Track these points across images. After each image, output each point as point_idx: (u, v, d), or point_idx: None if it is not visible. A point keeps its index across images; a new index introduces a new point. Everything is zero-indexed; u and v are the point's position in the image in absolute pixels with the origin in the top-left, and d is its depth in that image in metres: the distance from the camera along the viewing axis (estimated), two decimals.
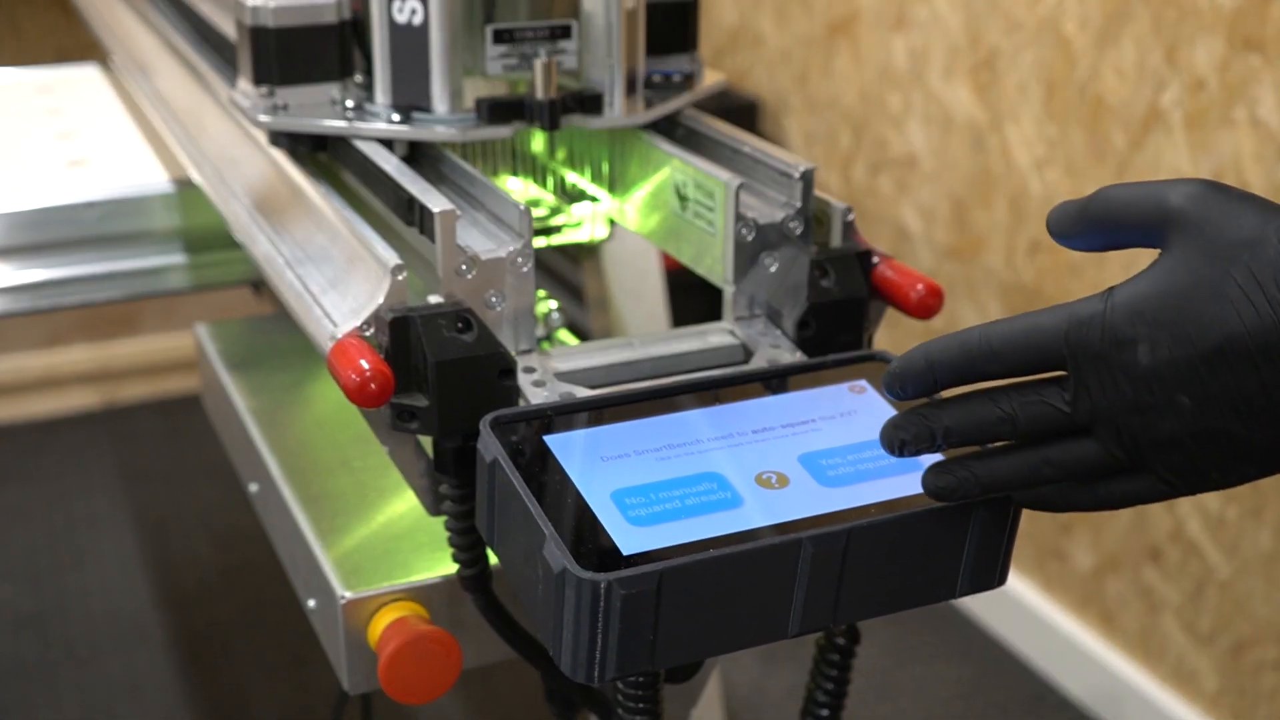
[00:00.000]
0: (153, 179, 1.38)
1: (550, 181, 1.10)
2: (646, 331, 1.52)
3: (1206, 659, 1.93)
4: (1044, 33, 2.00)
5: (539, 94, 0.94)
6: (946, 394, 0.70)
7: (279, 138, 0.99)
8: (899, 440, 0.70)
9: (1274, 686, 1.85)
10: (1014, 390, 0.68)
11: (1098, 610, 2.12)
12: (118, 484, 2.73)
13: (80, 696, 2.15)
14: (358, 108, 0.98)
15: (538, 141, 1.10)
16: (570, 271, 1.50)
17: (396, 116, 0.96)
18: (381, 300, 0.81)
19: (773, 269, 0.91)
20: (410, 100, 0.96)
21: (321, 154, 1.00)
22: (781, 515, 0.72)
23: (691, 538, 0.70)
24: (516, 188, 1.11)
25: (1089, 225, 0.67)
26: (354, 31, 0.99)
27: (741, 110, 2.65)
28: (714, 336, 0.91)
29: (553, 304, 1.10)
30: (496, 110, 0.95)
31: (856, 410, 0.80)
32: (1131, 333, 0.63)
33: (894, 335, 2.42)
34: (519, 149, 1.11)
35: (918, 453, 0.70)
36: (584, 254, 1.47)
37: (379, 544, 0.95)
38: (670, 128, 1.03)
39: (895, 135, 2.34)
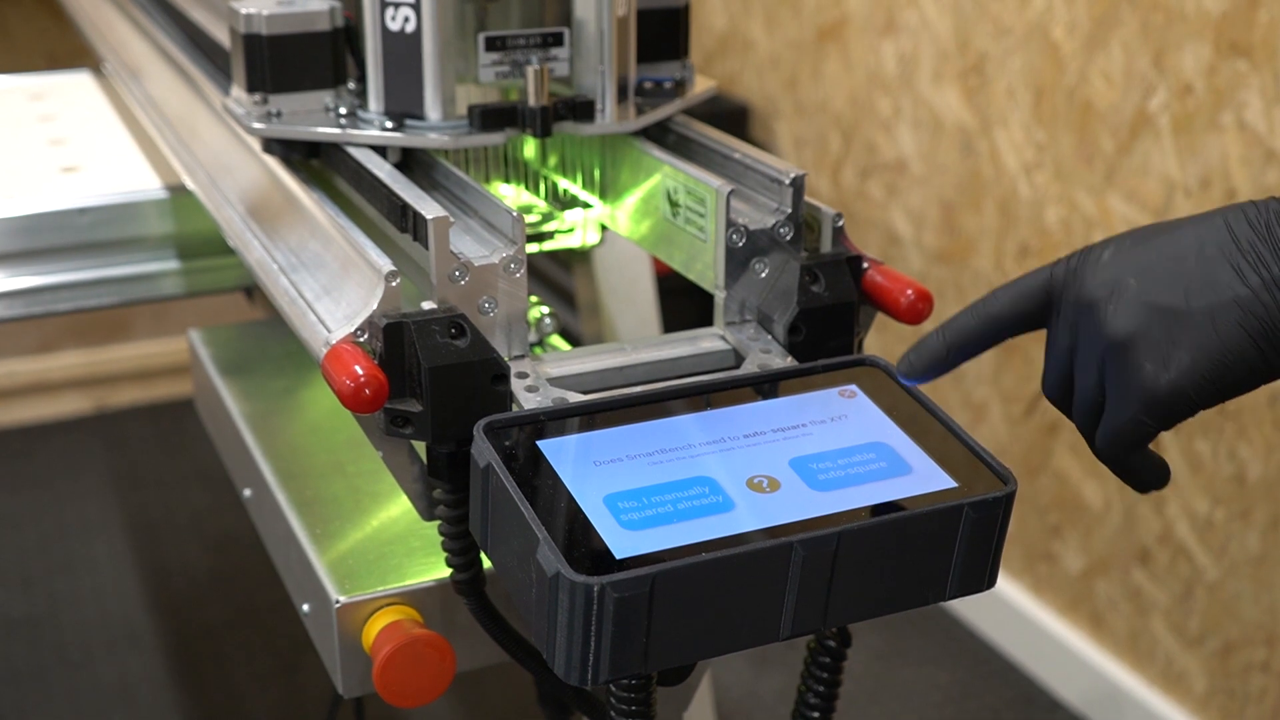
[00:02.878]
0: (146, 185, 1.38)
1: (542, 188, 1.11)
2: (638, 337, 1.52)
3: (1195, 660, 1.94)
4: (1032, 38, 2.00)
5: (531, 101, 0.95)
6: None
7: (272, 145, 0.99)
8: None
9: (1262, 688, 1.86)
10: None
11: (1087, 612, 2.12)
12: (110, 489, 2.73)
13: (73, 701, 2.15)
14: (351, 115, 0.98)
15: (530, 148, 1.11)
16: (562, 277, 1.51)
17: (389, 123, 0.97)
18: (375, 306, 0.81)
19: (763, 274, 0.91)
20: (403, 107, 0.97)
21: (315, 161, 1.00)
22: (773, 519, 0.72)
23: (684, 541, 0.70)
24: (509, 194, 1.11)
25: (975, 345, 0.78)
26: (347, 39, 1.00)
27: (732, 115, 2.66)
28: (705, 341, 0.92)
29: (545, 309, 1.11)
30: (489, 117, 0.96)
31: (847, 415, 0.81)
32: (1101, 245, 0.74)
33: (884, 340, 2.43)
34: (511, 155, 1.11)
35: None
36: (576, 260, 1.48)
37: (373, 548, 0.96)
38: (661, 134, 1.04)
39: (885, 140, 2.35)
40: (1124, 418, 0.73)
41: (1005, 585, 2.26)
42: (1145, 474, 0.76)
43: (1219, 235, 0.71)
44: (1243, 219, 0.71)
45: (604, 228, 1.10)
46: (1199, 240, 0.72)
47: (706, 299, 0.94)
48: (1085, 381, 0.74)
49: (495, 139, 0.97)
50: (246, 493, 1.13)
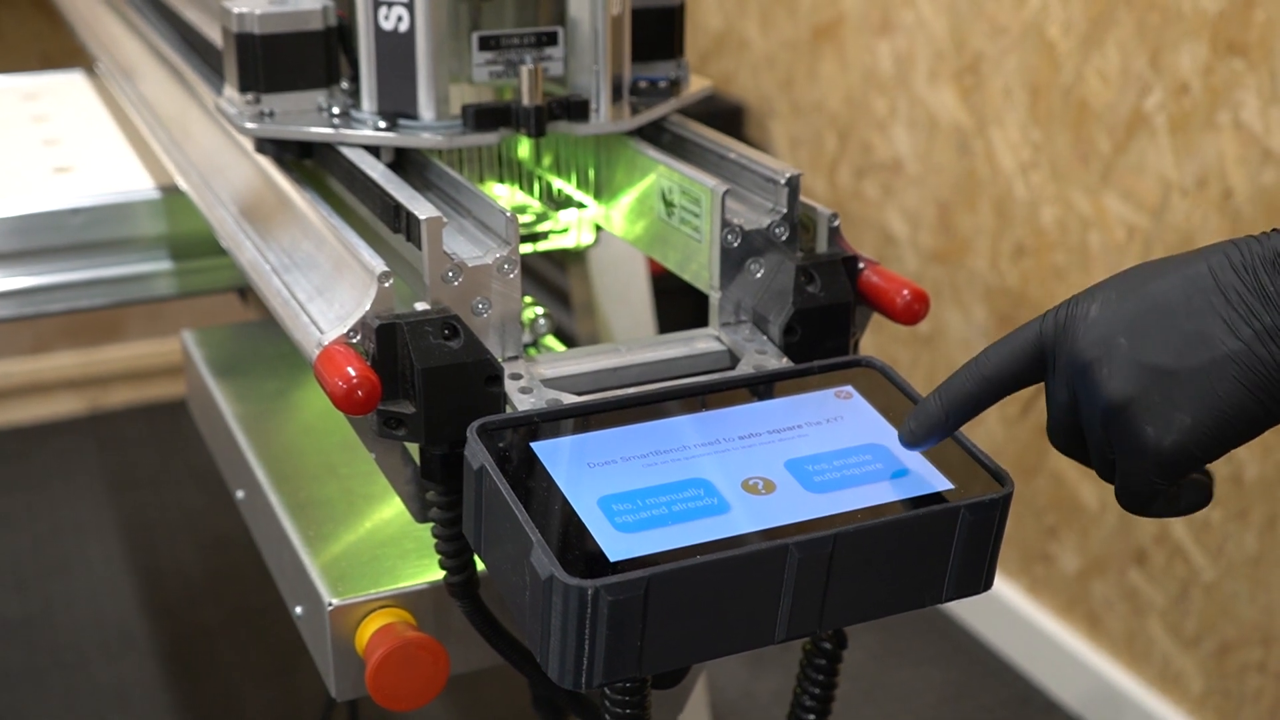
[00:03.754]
0: (138, 185, 1.38)
1: (536, 188, 1.10)
2: (633, 337, 1.52)
3: (1192, 661, 1.94)
4: (1028, 37, 2.00)
5: (525, 100, 0.95)
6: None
7: (265, 144, 0.99)
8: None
9: (1259, 688, 1.85)
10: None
11: (1084, 613, 2.12)
12: (104, 490, 2.73)
13: (67, 703, 2.15)
14: (344, 115, 0.98)
15: (524, 148, 1.10)
16: (557, 277, 1.50)
17: (383, 123, 0.96)
18: (368, 307, 0.81)
19: (758, 275, 0.91)
20: (396, 107, 0.96)
21: (308, 161, 1.00)
22: (768, 521, 0.72)
23: (678, 544, 0.70)
24: (503, 194, 1.11)
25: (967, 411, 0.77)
26: (340, 38, 0.99)
27: (727, 115, 2.66)
28: (700, 342, 0.91)
29: (539, 310, 1.11)
30: (483, 117, 0.95)
31: (842, 416, 0.80)
32: (1088, 298, 0.73)
33: (879, 340, 2.43)
34: (505, 155, 1.11)
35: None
36: (570, 260, 1.48)
37: (366, 551, 0.96)
38: (656, 134, 1.04)
39: (880, 140, 2.35)
40: (1135, 479, 0.72)
41: (1002, 586, 2.26)
42: (1176, 508, 0.75)
43: (1205, 284, 0.70)
44: (1227, 265, 0.70)
45: (598, 228, 1.10)
46: (1186, 292, 0.70)
47: (702, 299, 0.93)
48: (1093, 439, 0.74)
49: (489, 139, 0.96)
50: (240, 494, 1.13)
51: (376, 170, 0.92)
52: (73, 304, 1.35)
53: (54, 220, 1.33)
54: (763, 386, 0.84)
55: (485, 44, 0.97)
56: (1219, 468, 1.82)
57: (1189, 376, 0.69)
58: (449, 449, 0.82)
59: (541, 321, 1.10)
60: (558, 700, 1.04)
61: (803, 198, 0.92)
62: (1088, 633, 2.12)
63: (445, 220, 0.83)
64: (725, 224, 0.90)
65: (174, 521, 2.63)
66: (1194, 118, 1.77)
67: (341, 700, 0.95)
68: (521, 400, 0.83)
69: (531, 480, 0.74)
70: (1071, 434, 0.76)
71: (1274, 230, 0.70)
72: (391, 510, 1.00)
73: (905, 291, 0.90)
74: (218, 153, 1.14)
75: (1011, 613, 2.24)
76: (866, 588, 0.74)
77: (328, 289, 0.89)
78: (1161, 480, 0.71)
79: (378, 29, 0.95)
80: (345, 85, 1.00)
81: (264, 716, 2.15)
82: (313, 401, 1.16)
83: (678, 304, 1.45)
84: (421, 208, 0.84)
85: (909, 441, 0.77)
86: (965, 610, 2.35)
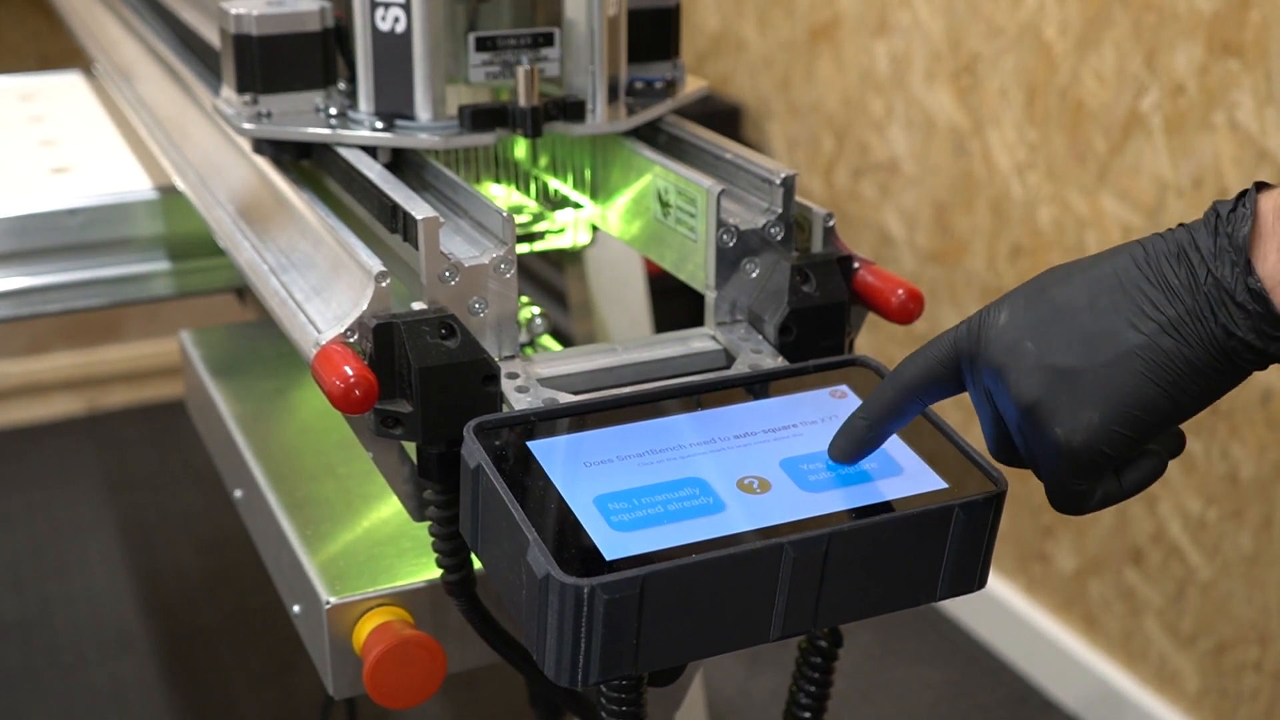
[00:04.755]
0: (136, 186, 1.38)
1: (533, 188, 1.11)
2: (629, 337, 1.52)
3: (1188, 660, 1.94)
4: (1024, 38, 2.01)
5: (521, 101, 0.95)
6: None
7: (263, 145, 0.99)
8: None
9: (1255, 687, 1.86)
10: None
11: (1080, 612, 2.12)
12: (102, 490, 2.73)
13: (65, 704, 2.15)
14: (341, 115, 0.98)
15: (520, 148, 1.10)
16: (553, 277, 1.51)
17: (380, 124, 0.96)
18: (365, 307, 0.81)
19: (754, 274, 0.91)
20: (393, 108, 0.97)
21: (305, 161, 1.00)
22: (763, 520, 0.72)
23: (674, 543, 0.70)
24: (499, 194, 1.11)
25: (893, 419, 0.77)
26: (337, 39, 1.00)
27: (724, 115, 2.66)
28: (696, 342, 0.92)
29: (536, 310, 1.11)
30: (479, 117, 0.96)
31: (838, 415, 0.81)
32: (997, 307, 0.73)
33: (875, 340, 2.43)
34: (502, 156, 1.11)
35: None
36: (567, 260, 1.48)
37: (363, 549, 0.96)
38: (652, 134, 1.04)
39: (877, 140, 2.35)
40: (1053, 481, 0.72)
41: (998, 585, 2.26)
42: (1119, 495, 0.74)
43: (1109, 283, 0.70)
44: (1131, 264, 0.70)
45: (595, 228, 1.10)
46: (1090, 293, 0.70)
47: (697, 299, 0.94)
48: (1020, 445, 0.74)
49: (486, 139, 0.97)
50: (237, 494, 1.13)
51: (373, 170, 0.92)
52: (70, 304, 1.35)
53: (52, 220, 1.34)
54: (758, 386, 0.84)
55: (482, 45, 0.97)
56: (1215, 466, 1.83)
57: (1094, 375, 0.69)
58: (446, 448, 0.82)
59: (538, 321, 1.10)
60: (554, 698, 1.04)
61: (798, 198, 0.92)
62: (1084, 632, 2.12)
63: (442, 220, 0.84)
64: (721, 224, 0.90)
65: (172, 521, 2.63)
66: (1189, 118, 1.78)
67: (339, 698, 0.96)
68: (518, 399, 0.83)
69: (528, 479, 0.74)
70: (1005, 443, 0.76)
71: (1180, 225, 0.70)
72: (389, 509, 1.00)
73: (900, 291, 0.90)
74: (215, 153, 1.14)
75: (1008, 612, 2.25)
76: (861, 586, 0.74)
77: (325, 289, 0.89)
78: (1078, 480, 0.71)
79: (375, 30, 0.95)
80: (342, 86, 1.01)
81: (262, 716, 2.15)
82: (310, 401, 1.16)
83: (674, 303, 1.45)
84: (418, 208, 0.84)
85: (838, 459, 0.77)
86: (962, 609, 2.35)
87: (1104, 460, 0.70)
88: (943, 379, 0.75)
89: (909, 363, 0.76)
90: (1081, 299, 0.70)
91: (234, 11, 0.97)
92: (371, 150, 0.97)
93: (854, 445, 0.77)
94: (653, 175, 0.97)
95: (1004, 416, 0.73)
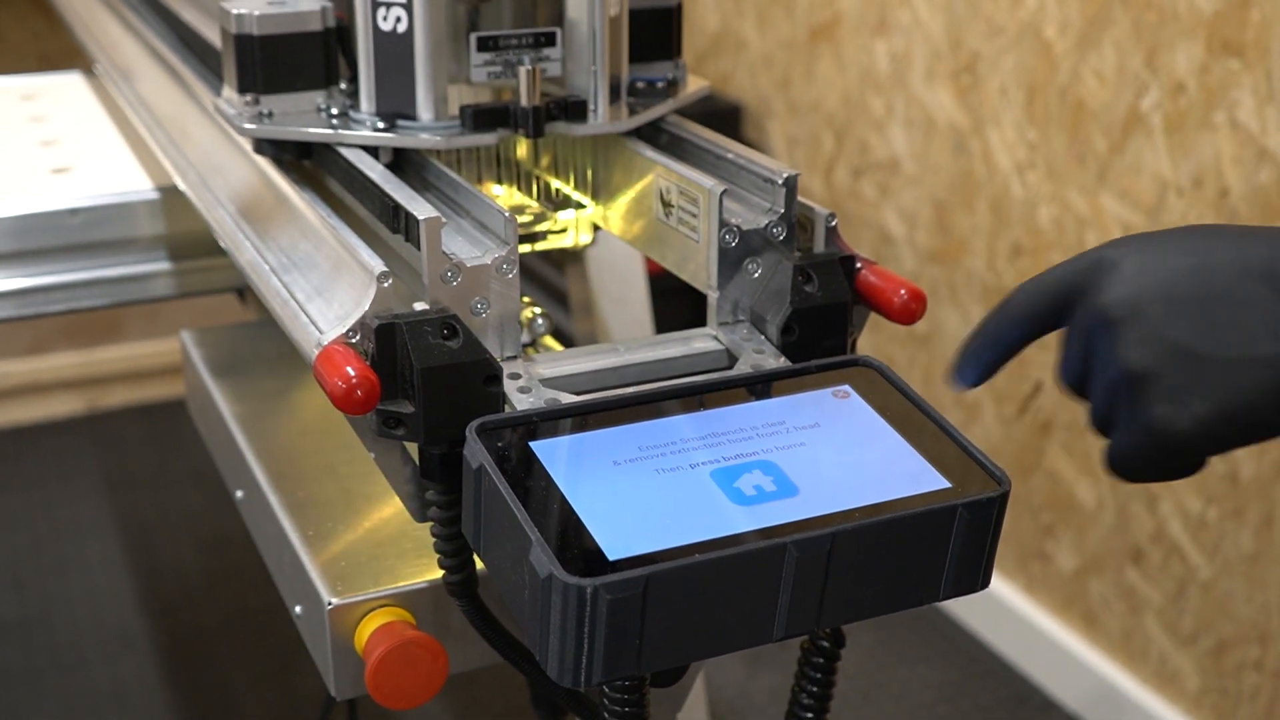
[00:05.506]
0: (137, 186, 1.38)
1: (535, 188, 1.11)
2: (631, 337, 1.52)
3: (1188, 659, 1.94)
4: (1025, 37, 2.01)
5: (523, 101, 0.95)
6: None
7: (264, 145, 0.99)
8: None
9: (1255, 686, 1.86)
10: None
11: (1080, 611, 2.12)
12: (102, 490, 2.73)
13: (66, 703, 2.15)
14: (343, 115, 0.98)
15: (522, 148, 1.10)
16: (555, 278, 1.51)
17: (381, 124, 0.96)
18: (367, 307, 0.81)
19: (756, 274, 0.91)
20: (395, 108, 0.97)
21: (306, 161, 1.00)
22: (766, 520, 0.72)
23: (677, 542, 0.70)
24: (501, 194, 1.11)
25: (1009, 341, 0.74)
26: (339, 39, 0.99)
27: (724, 115, 2.66)
28: (698, 342, 0.92)
29: (538, 310, 1.11)
30: (481, 117, 0.95)
31: (840, 415, 0.81)
32: (1125, 249, 0.67)
33: (877, 340, 2.43)
34: (503, 156, 1.11)
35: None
36: (569, 260, 1.48)
37: (365, 550, 0.96)
38: (654, 134, 1.04)
39: (877, 139, 2.35)
40: (1132, 451, 0.69)
41: (999, 584, 2.26)
42: (1161, 478, 0.71)
43: (1259, 271, 0.64)
44: None
45: (596, 228, 1.10)
46: (1236, 273, 0.64)
47: (699, 299, 0.94)
48: (1098, 398, 0.70)
49: (487, 139, 0.96)
50: (239, 494, 1.13)
51: (375, 171, 0.92)
52: (71, 304, 1.35)
53: (52, 221, 1.34)
54: (760, 386, 0.84)
55: (483, 45, 0.97)
56: (1215, 465, 1.83)
57: (1216, 366, 0.64)
58: (448, 448, 0.82)
59: (540, 321, 1.10)
60: (557, 699, 1.04)
61: (800, 197, 0.92)
62: (1084, 631, 2.12)
63: (444, 220, 0.83)
64: (723, 224, 0.90)
65: (173, 521, 2.63)
66: (1190, 117, 1.78)
67: (341, 699, 0.95)
68: (520, 400, 0.83)
69: (530, 479, 0.74)
70: (1081, 380, 0.72)
71: None
72: (391, 510, 1.00)
73: (902, 291, 0.90)
74: (216, 153, 1.14)
75: (1008, 611, 2.25)
76: (864, 586, 0.74)
77: (327, 289, 0.89)
78: (1160, 462, 0.68)
79: (376, 30, 0.95)
80: (344, 86, 1.00)
81: (263, 716, 2.15)
82: (312, 401, 1.16)
83: (676, 304, 1.45)
84: (420, 208, 0.84)
85: (958, 379, 0.75)
86: (962, 609, 2.36)
87: (1196, 454, 0.67)
88: (1049, 312, 0.71)
89: (1019, 290, 0.72)
90: (1223, 279, 0.65)
91: (235, 11, 0.97)
92: (373, 150, 0.96)
93: (969, 364, 0.75)
94: (654, 175, 0.97)
95: (1097, 366, 0.69)
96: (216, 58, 1.09)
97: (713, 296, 0.92)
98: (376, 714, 1.75)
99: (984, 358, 0.74)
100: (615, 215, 1.04)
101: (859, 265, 0.92)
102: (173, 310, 2.72)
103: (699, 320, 0.94)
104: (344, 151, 0.96)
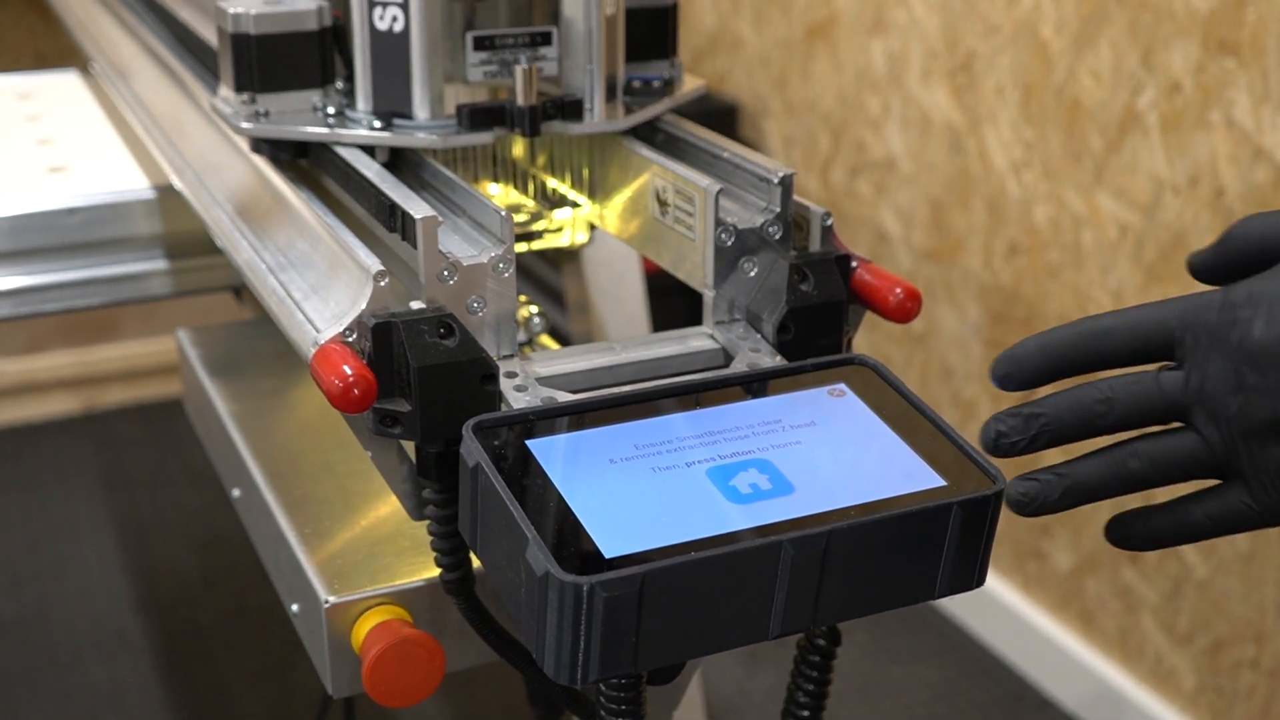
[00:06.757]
0: (134, 185, 1.38)
1: (531, 187, 1.11)
2: (627, 336, 1.52)
3: (1184, 658, 1.95)
4: (1021, 36, 2.01)
5: (520, 100, 0.95)
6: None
7: (260, 144, 0.99)
8: (995, 431, 0.71)
9: (1251, 685, 1.86)
10: (1116, 375, 0.68)
11: (1077, 610, 2.13)
12: (99, 489, 2.73)
13: (62, 703, 2.15)
14: (339, 114, 0.98)
15: (518, 147, 1.10)
16: (551, 276, 1.51)
17: (378, 123, 0.96)
18: (364, 306, 0.81)
19: (752, 273, 0.91)
20: (391, 107, 0.97)
21: (303, 160, 1.00)
22: (762, 518, 0.72)
23: (673, 540, 0.70)
24: (497, 193, 1.11)
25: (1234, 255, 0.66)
26: (335, 38, 0.99)
27: (721, 114, 2.66)
28: (694, 340, 0.92)
29: (534, 309, 1.11)
30: (477, 116, 0.96)
31: (836, 413, 0.81)
32: (1250, 310, 0.62)
33: (873, 339, 2.43)
34: (500, 155, 1.11)
35: (1014, 446, 0.71)
36: (565, 259, 1.48)
37: (362, 548, 0.96)
38: (650, 133, 1.04)
39: (874, 138, 2.35)
40: (1250, 519, 0.64)
41: (995, 583, 2.26)
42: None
43: None
44: None
45: (593, 227, 1.10)
46: None
47: (695, 298, 0.94)
48: (1224, 441, 0.65)
49: (484, 138, 0.97)
50: (235, 493, 1.13)
51: (371, 170, 0.92)
52: (68, 303, 1.35)
53: (49, 220, 1.34)
54: (756, 384, 0.84)
55: (480, 44, 0.97)
56: None
57: None
58: (444, 447, 0.82)
59: (536, 320, 1.10)
60: (553, 696, 1.04)
61: (796, 196, 0.92)
62: (1081, 630, 2.13)
63: (440, 219, 0.84)
64: (719, 223, 0.90)
65: (169, 520, 2.63)
66: (1186, 116, 1.78)
67: (338, 697, 0.96)
68: (517, 398, 0.83)
69: (527, 478, 0.74)
70: (1162, 411, 0.66)
71: None
72: (387, 508, 1.00)
73: (898, 290, 0.90)
74: (213, 152, 1.14)
75: (1005, 610, 2.25)
76: (860, 584, 0.74)
77: (323, 288, 0.89)
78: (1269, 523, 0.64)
79: (372, 29, 0.95)
80: (340, 85, 1.01)
81: (260, 715, 2.15)
82: (308, 400, 1.16)
83: (672, 302, 1.45)
84: (416, 207, 0.84)
85: (999, 380, 0.70)
86: (959, 607, 2.36)
87: None
88: (1150, 342, 0.65)
89: (1111, 313, 0.67)
90: None
91: (232, 10, 0.97)
92: (369, 149, 0.97)
93: (1016, 368, 0.70)
94: (651, 174, 0.97)
95: (1216, 408, 0.64)
96: (213, 57, 1.09)
97: (708, 295, 0.92)
98: (373, 712, 1.75)
99: (1046, 359, 0.68)
100: (611, 214, 1.04)
101: (855, 264, 0.92)
102: (169, 309, 2.72)
103: (695, 319, 0.94)
104: (340, 150, 0.96)
